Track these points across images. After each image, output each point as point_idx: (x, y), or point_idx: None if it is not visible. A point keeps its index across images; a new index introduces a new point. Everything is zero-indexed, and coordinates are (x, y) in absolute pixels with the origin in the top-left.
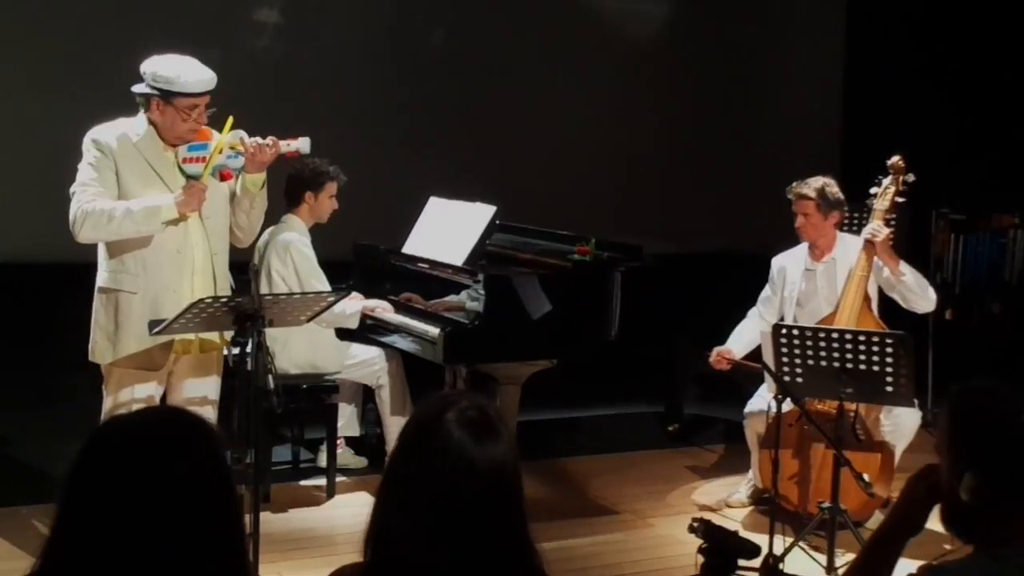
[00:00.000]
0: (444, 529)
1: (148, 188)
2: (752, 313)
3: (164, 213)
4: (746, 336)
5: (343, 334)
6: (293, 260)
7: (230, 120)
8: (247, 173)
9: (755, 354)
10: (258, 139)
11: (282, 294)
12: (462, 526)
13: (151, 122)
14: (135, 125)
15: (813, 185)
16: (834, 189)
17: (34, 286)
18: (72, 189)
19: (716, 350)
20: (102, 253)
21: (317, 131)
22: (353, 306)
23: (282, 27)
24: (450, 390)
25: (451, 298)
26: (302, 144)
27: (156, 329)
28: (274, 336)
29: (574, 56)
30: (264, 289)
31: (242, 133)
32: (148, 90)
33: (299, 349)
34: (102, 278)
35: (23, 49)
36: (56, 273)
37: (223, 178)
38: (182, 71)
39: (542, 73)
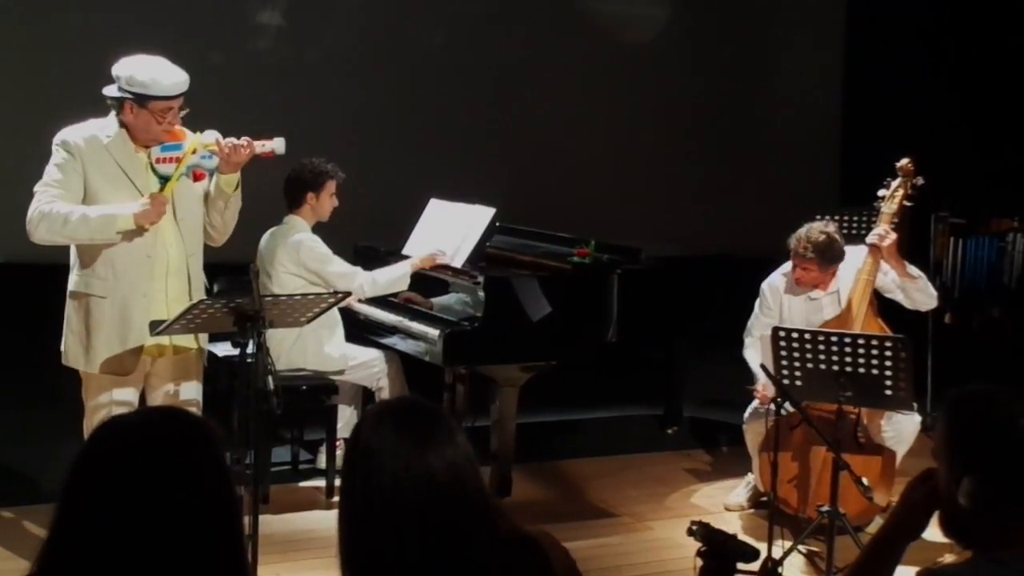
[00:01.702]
0: (403, 531)
1: (117, 190)
2: (749, 343)
3: (120, 223)
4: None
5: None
6: (308, 257)
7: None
8: (222, 173)
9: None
10: (233, 139)
11: (282, 295)
12: (418, 523)
13: (122, 124)
14: (105, 126)
15: (815, 243)
16: (836, 242)
17: (26, 287)
18: (35, 188)
19: (760, 387)
20: (73, 257)
21: (317, 132)
22: (401, 269)
23: (284, 29)
24: (452, 392)
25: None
26: (277, 144)
27: (157, 329)
28: (282, 336)
29: (574, 59)
30: (276, 291)
31: (216, 134)
32: (121, 94)
33: (304, 349)
34: (72, 282)
35: (19, 49)
36: (48, 274)
37: (196, 178)
38: (156, 75)
39: (542, 76)
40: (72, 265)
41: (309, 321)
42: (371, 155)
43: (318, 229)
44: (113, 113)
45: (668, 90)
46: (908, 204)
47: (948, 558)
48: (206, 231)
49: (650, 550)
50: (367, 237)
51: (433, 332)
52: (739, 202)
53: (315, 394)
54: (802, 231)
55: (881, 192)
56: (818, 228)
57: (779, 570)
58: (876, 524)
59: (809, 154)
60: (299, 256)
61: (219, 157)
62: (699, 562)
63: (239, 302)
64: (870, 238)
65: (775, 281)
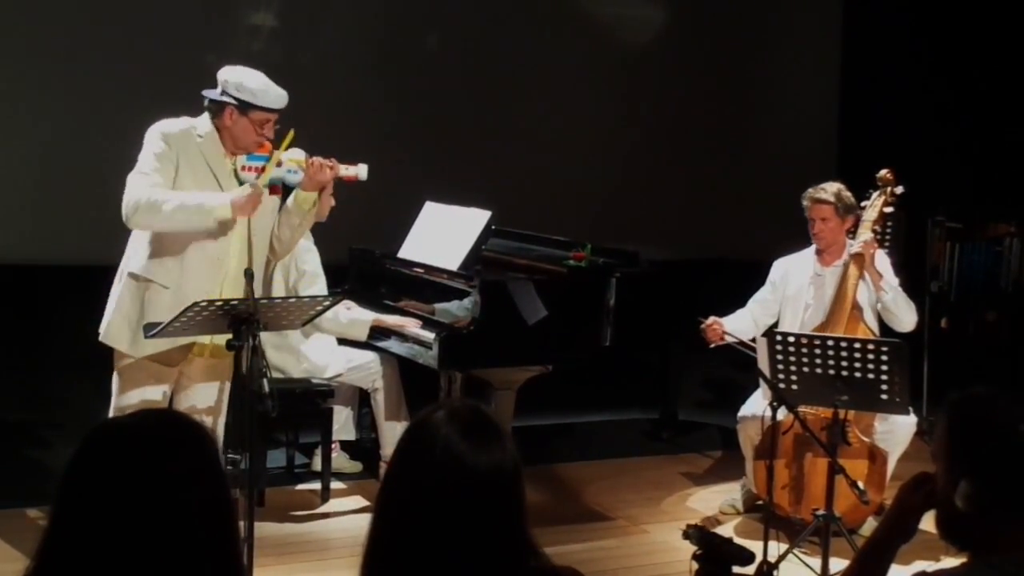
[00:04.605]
0: (438, 532)
1: (201, 189)
2: (744, 312)
3: (219, 212)
4: (739, 325)
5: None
6: (296, 262)
7: (291, 134)
8: (303, 190)
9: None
10: (320, 159)
11: (277, 298)
12: (456, 528)
13: (216, 128)
14: (199, 125)
15: (830, 190)
16: (848, 193)
17: (35, 288)
18: (130, 176)
19: (712, 318)
20: (140, 240)
21: (312, 135)
22: (362, 315)
23: (278, 30)
24: (448, 396)
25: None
26: (360, 170)
27: (151, 332)
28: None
29: (570, 61)
30: (276, 292)
31: (303, 151)
32: (225, 99)
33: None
34: (136, 264)
35: (21, 50)
36: (57, 275)
37: (271, 192)
38: (265, 87)
39: (538, 78)
40: (135, 247)
41: (304, 324)
42: (366, 157)
43: (316, 230)
44: (207, 115)
45: (664, 94)
46: (889, 211)
47: (945, 561)
48: (271, 244)
49: (646, 554)
50: (362, 240)
51: (429, 335)
52: (735, 206)
53: (311, 397)
54: (811, 188)
55: (863, 203)
56: (830, 181)
57: (774, 573)
58: (870, 525)
59: (805, 159)
60: (291, 259)
61: (304, 173)
62: (695, 566)
63: (234, 304)
64: (854, 247)
65: (785, 260)
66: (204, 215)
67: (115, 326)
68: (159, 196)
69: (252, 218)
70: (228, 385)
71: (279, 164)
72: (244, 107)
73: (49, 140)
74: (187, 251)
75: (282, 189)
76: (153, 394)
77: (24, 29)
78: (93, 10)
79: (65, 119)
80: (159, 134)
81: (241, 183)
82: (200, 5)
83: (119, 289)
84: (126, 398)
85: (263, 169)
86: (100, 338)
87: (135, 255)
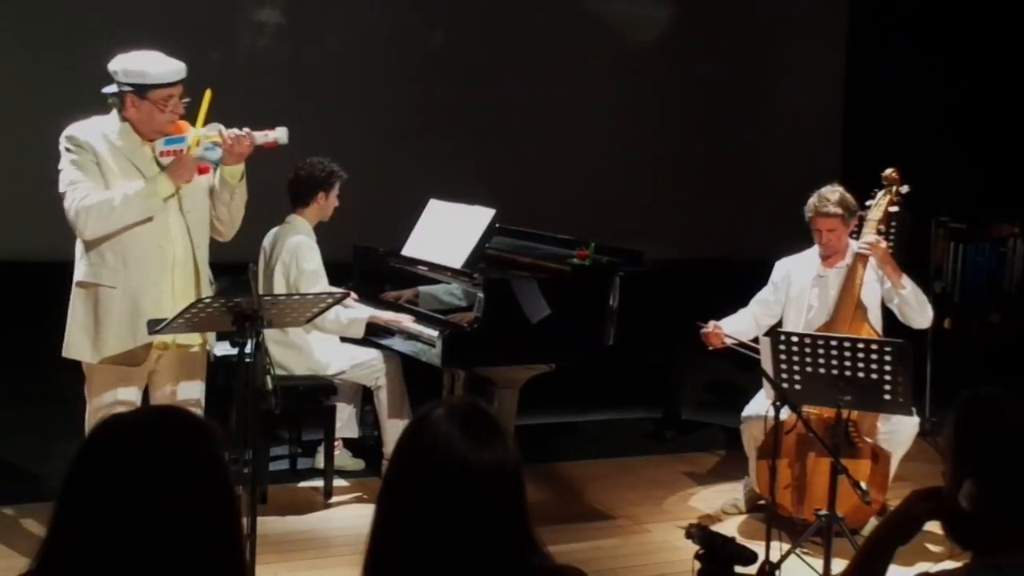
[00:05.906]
0: (440, 530)
1: (128, 181)
2: (745, 312)
3: (161, 190)
4: (739, 325)
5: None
6: (297, 260)
7: (208, 93)
8: (225, 165)
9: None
10: (235, 130)
11: (281, 295)
12: (458, 526)
13: (126, 119)
14: (109, 122)
15: (833, 199)
16: (849, 196)
17: (27, 284)
18: (62, 189)
19: (712, 323)
20: (80, 247)
21: (317, 132)
22: (359, 313)
23: (284, 28)
24: (449, 394)
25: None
26: (279, 134)
27: (156, 328)
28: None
29: (575, 60)
30: (278, 290)
31: (219, 126)
32: (120, 88)
33: (311, 349)
34: (80, 272)
35: (19, 49)
36: (49, 272)
37: (200, 172)
38: (151, 64)
39: (542, 77)
40: (80, 255)
41: (308, 321)
42: (370, 155)
43: (317, 229)
44: (114, 113)
45: (669, 93)
46: (893, 211)
47: (947, 562)
48: (213, 226)
49: (647, 553)
50: (366, 238)
51: (432, 333)
52: (739, 206)
53: (313, 394)
54: (814, 198)
55: (868, 202)
56: (829, 188)
57: (776, 573)
58: (871, 525)
59: (810, 158)
60: (292, 259)
61: (222, 149)
62: (697, 565)
63: (238, 301)
64: (859, 247)
65: (787, 261)
66: (151, 198)
67: (73, 339)
68: (102, 197)
69: (183, 199)
70: (202, 381)
71: (197, 144)
72: (140, 90)
73: (50, 138)
74: (127, 247)
75: (213, 167)
76: (126, 395)
77: (25, 27)
78: (96, 7)
79: (67, 117)
80: (68, 140)
81: (162, 168)
82: (204, 2)
83: (72, 301)
84: (99, 401)
85: (181, 152)
86: (63, 354)
87: (78, 264)
